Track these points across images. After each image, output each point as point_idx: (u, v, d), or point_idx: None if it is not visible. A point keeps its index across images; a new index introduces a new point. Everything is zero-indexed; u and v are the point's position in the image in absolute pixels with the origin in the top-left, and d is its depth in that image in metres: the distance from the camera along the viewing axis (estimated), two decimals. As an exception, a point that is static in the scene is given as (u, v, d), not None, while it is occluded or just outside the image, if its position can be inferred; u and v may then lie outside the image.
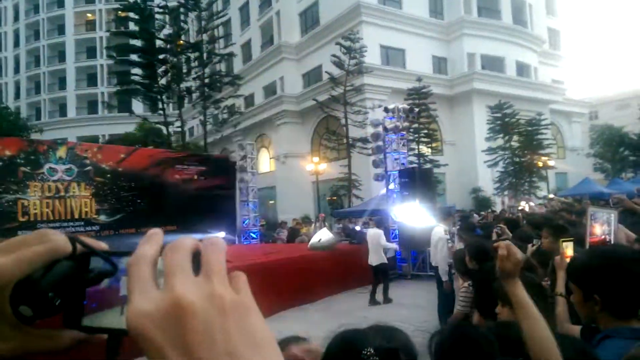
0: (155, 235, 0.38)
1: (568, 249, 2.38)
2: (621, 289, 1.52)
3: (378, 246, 9.31)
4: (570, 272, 1.89)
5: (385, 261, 9.40)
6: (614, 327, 1.54)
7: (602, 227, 3.30)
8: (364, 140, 20.18)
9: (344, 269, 10.33)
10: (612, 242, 3.32)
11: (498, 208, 21.20)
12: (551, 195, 19.10)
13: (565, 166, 31.63)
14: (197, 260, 0.36)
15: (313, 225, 14.91)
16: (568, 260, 2.26)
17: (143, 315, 0.32)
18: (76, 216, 11.58)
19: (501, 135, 24.69)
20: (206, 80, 24.01)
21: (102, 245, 0.42)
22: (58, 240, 0.40)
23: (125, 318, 0.33)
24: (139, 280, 0.34)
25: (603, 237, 3.29)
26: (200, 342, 0.31)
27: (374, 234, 9.50)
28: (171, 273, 0.34)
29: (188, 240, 0.37)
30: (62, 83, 46.99)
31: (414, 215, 11.21)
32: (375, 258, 9.30)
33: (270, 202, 29.68)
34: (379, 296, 9.09)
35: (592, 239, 3.22)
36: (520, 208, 15.83)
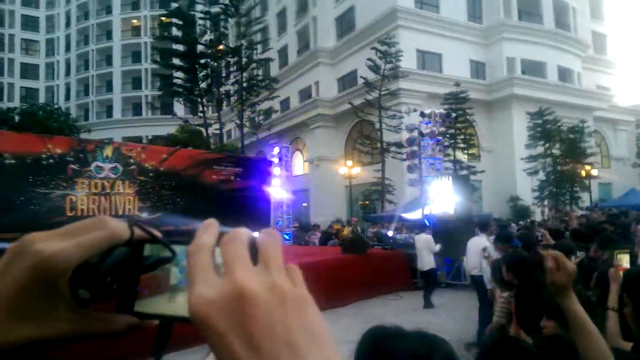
0: (211, 225, 0.39)
1: (623, 261, 2.28)
2: None
3: (428, 251, 9.43)
4: (625, 285, 1.82)
5: (435, 266, 9.52)
6: None
7: None
8: (399, 144, 20.10)
9: (376, 274, 10.34)
10: None
11: (537, 218, 20.59)
12: (578, 209, 18.37)
13: (609, 176, 30.33)
14: (253, 251, 0.36)
15: (346, 229, 14.98)
16: (622, 272, 2.14)
17: (206, 302, 0.32)
18: (120, 213, 12.12)
19: (542, 142, 23.97)
20: (244, 85, 24.58)
21: (157, 233, 0.44)
22: (117, 226, 0.41)
23: (186, 304, 0.33)
24: (200, 268, 0.34)
25: None
26: (262, 331, 0.31)
27: (425, 240, 9.57)
28: (231, 262, 0.34)
29: (244, 231, 0.37)
30: (108, 86, 49.22)
31: (449, 222, 11.09)
32: (425, 263, 9.45)
33: (304, 204, 29.95)
34: (434, 299, 9.25)
35: None
36: (565, 218, 15.26)
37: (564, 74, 30.65)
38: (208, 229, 0.38)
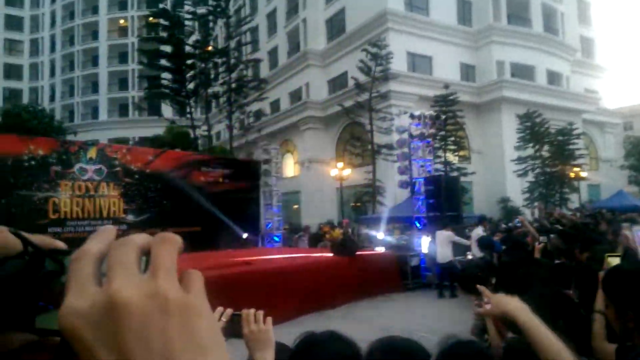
0: (105, 232, 0.36)
1: (613, 264, 2.23)
2: None
3: (448, 246, 10.06)
4: (605, 287, 1.80)
5: (452, 259, 10.10)
6: None
7: None
8: (389, 146, 20.03)
9: (366, 276, 10.18)
10: None
11: (529, 219, 20.61)
12: (559, 211, 18.49)
13: (598, 178, 30.62)
14: (148, 257, 0.33)
15: (337, 230, 14.81)
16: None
17: (75, 313, 0.30)
18: (104, 215, 11.85)
19: (531, 144, 24.09)
20: (233, 86, 24.34)
21: (58, 243, 0.39)
22: (5, 238, 0.38)
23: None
24: (77, 276, 0.32)
25: None
26: (135, 342, 0.29)
27: (446, 235, 10.21)
28: (112, 269, 0.32)
29: (138, 237, 0.34)
30: (94, 87, 48.56)
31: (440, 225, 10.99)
32: (443, 256, 10.12)
33: (295, 206, 29.73)
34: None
35: None
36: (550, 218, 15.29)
37: (553, 77, 30.93)
38: (99, 235, 0.36)
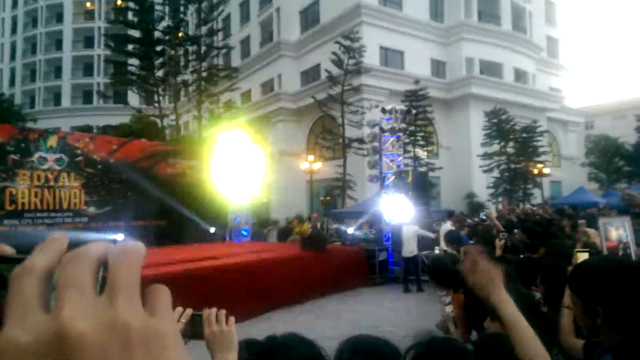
0: (54, 241, 0.30)
1: (582, 260, 2.25)
2: (625, 302, 1.41)
3: (413, 239, 10.29)
4: (571, 283, 1.76)
5: (416, 253, 10.35)
6: (617, 341, 1.44)
7: (618, 231, 3.26)
8: (360, 140, 20.10)
9: (335, 271, 10.20)
10: (631, 245, 3.27)
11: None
12: (528, 205, 19.14)
13: (560, 174, 31.71)
14: (106, 273, 0.29)
15: (305, 224, 14.76)
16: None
17: (15, 347, 0.25)
18: (65, 207, 11.40)
19: (497, 141, 24.70)
20: (203, 74, 23.81)
21: (6, 249, 0.35)
22: None
23: None
24: (19, 300, 0.27)
25: (622, 242, 3.24)
26: None
27: (411, 229, 10.45)
28: (63, 292, 0.27)
29: (95, 248, 0.29)
30: (57, 72, 46.49)
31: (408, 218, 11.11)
32: (408, 250, 10.34)
33: (264, 200, 29.49)
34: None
35: (609, 243, 3.19)
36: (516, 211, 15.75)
37: (520, 75, 31.73)
38: (47, 246, 0.30)
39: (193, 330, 1.35)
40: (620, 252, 3.19)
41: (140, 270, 0.29)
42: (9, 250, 0.35)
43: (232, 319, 1.37)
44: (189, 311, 1.37)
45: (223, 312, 1.38)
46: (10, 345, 0.25)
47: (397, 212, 11.63)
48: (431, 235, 10.86)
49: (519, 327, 1.30)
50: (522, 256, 4.54)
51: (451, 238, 6.59)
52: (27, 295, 0.27)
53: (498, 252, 4.93)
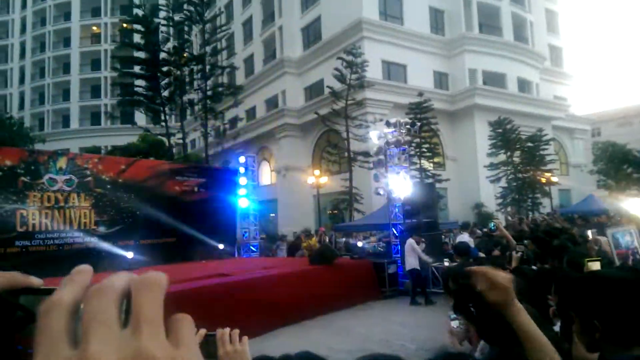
0: (79, 274, 0.31)
1: (593, 269, 2.21)
2: (622, 315, 1.37)
3: (411, 253, 10.30)
4: (569, 299, 1.71)
5: (417, 267, 10.27)
6: (616, 355, 1.40)
7: (625, 238, 3.27)
8: (366, 154, 20.15)
9: (345, 285, 10.16)
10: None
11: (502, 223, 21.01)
12: (538, 214, 18.97)
13: (568, 182, 31.47)
14: (129, 305, 0.29)
15: (313, 239, 14.76)
16: None
17: None
18: (75, 227, 11.50)
19: (503, 150, 24.64)
20: (208, 93, 24.12)
21: (32, 281, 0.35)
22: None
23: None
24: (47, 336, 0.27)
25: (630, 248, 3.25)
26: None
27: (409, 244, 10.49)
28: (88, 326, 0.27)
29: (118, 280, 0.30)
30: (66, 94, 47.32)
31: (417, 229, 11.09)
32: (408, 264, 10.42)
33: (271, 215, 29.54)
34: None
35: (619, 251, 3.20)
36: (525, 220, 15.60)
37: (523, 85, 31.77)
38: (72, 280, 0.31)
39: (207, 351, 1.34)
40: (631, 259, 3.19)
41: (162, 300, 0.29)
42: (36, 281, 0.35)
43: (245, 338, 1.38)
44: (202, 331, 1.37)
45: (236, 331, 1.39)
46: None
47: (404, 224, 11.61)
48: (427, 258, 10.55)
49: (533, 338, 1.31)
50: (534, 267, 4.52)
51: (460, 250, 6.54)
52: (54, 331, 0.27)
53: (514, 264, 4.90)
